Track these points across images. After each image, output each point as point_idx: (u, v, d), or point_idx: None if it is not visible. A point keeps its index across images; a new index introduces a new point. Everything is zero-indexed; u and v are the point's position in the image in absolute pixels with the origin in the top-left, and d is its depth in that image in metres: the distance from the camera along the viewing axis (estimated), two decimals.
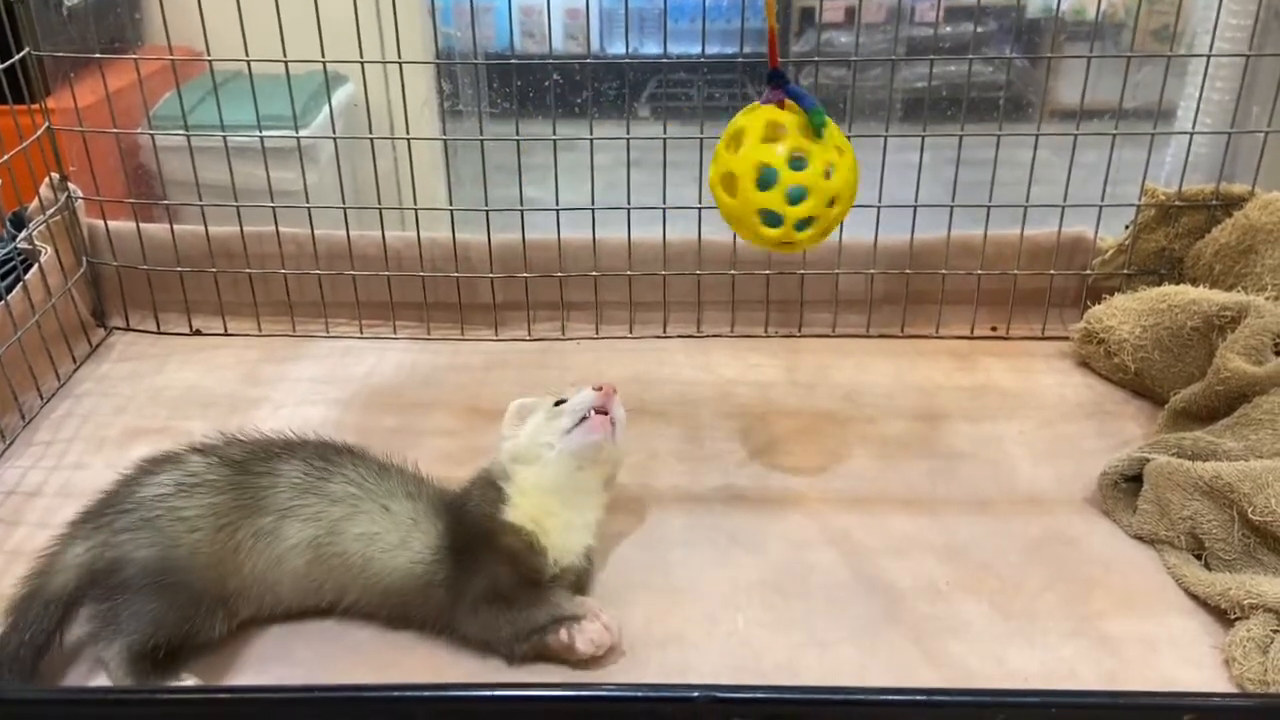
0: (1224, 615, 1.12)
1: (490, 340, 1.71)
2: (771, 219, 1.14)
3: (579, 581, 1.14)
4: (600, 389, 1.15)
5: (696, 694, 0.62)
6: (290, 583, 1.07)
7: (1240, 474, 1.17)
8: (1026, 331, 1.69)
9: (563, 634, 1.02)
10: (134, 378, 1.60)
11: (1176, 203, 1.59)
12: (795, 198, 1.13)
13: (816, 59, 1.71)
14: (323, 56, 1.52)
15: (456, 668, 1.05)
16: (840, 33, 3.35)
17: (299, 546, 1.06)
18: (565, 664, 1.04)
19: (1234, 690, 1.03)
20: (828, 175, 1.14)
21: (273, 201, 1.63)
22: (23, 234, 1.58)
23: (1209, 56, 1.58)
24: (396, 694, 0.65)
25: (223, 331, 1.71)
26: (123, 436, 1.44)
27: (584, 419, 1.13)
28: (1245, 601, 1.09)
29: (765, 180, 1.13)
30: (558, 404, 1.16)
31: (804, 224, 1.15)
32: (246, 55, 1.52)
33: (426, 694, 0.66)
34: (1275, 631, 1.06)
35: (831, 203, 1.15)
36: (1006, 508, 1.31)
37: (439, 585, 1.06)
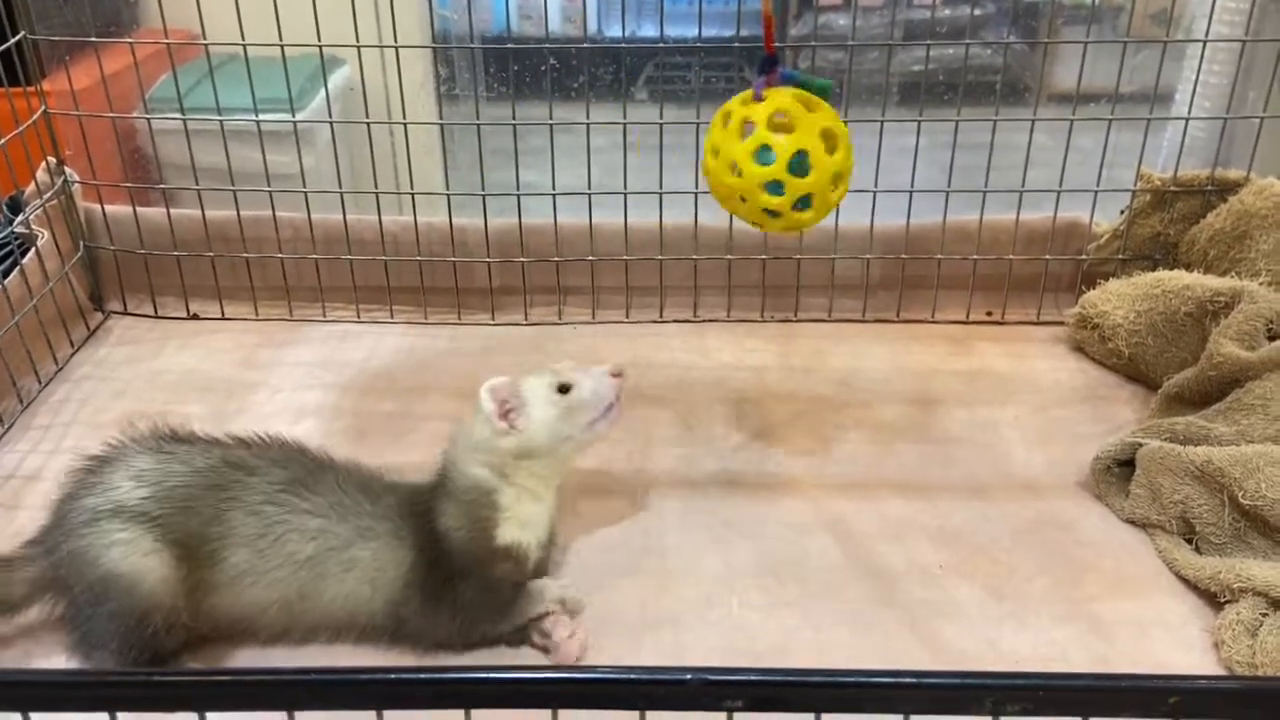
0: (1214, 599, 1.13)
1: (487, 325, 1.71)
2: (775, 189, 1.15)
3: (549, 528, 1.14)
4: (618, 375, 1.10)
5: (690, 676, 0.62)
6: (265, 627, 1.06)
7: (1231, 459, 1.18)
8: (1022, 316, 1.70)
9: (535, 639, 1.08)
10: (131, 362, 1.60)
11: (1172, 188, 1.59)
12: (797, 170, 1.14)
13: (814, 43, 1.70)
14: (319, 40, 1.52)
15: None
16: (838, 16, 3.34)
17: (270, 609, 1.04)
18: None
19: (1222, 673, 1.04)
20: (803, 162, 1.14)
21: (269, 185, 1.62)
22: (19, 218, 1.58)
23: (1205, 41, 1.58)
24: (396, 676, 0.66)
25: (220, 315, 1.71)
26: (121, 420, 1.44)
27: (610, 407, 1.09)
28: (1235, 585, 1.10)
29: (762, 159, 1.14)
30: (562, 390, 1.07)
31: (804, 203, 1.16)
32: (242, 38, 1.52)
33: (425, 676, 0.66)
34: (1264, 615, 1.07)
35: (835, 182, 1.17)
36: (1000, 492, 1.32)
37: (411, 617, 1.06)
